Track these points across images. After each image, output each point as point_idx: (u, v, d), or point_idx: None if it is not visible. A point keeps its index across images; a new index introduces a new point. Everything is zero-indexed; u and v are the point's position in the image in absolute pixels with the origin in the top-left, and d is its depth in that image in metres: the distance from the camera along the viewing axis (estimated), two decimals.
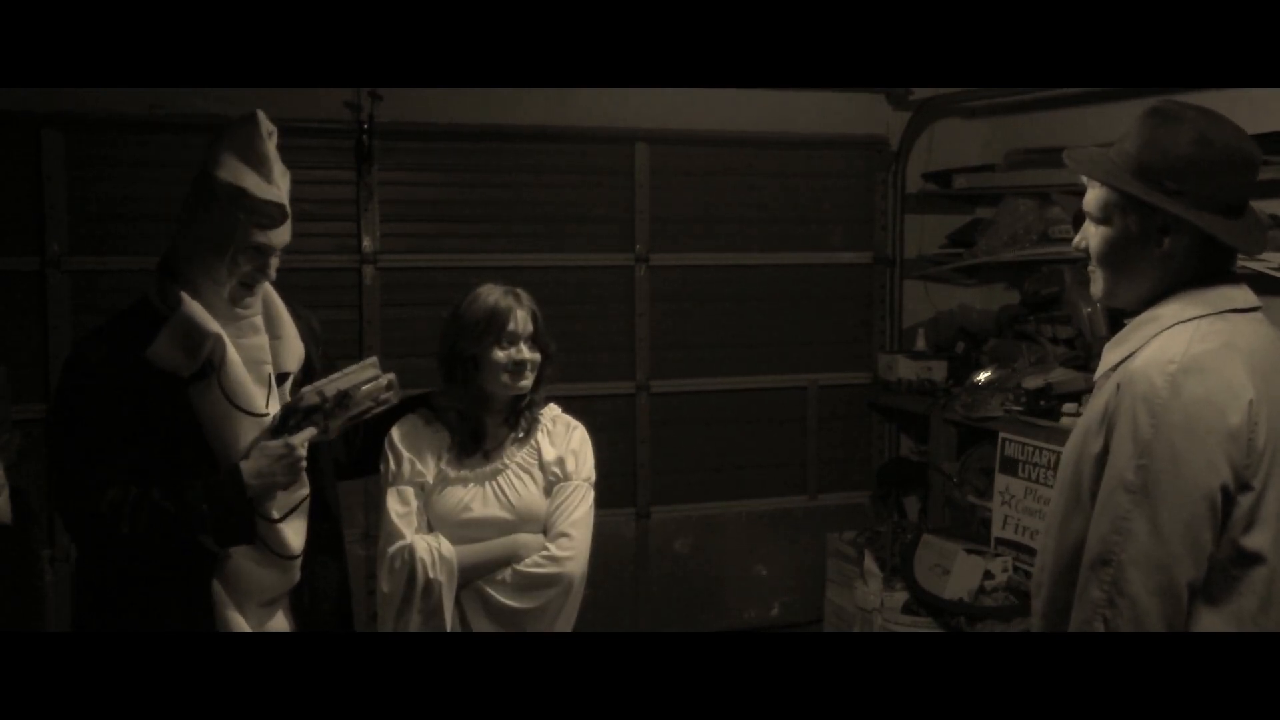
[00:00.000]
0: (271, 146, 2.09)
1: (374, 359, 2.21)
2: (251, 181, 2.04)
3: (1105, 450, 1.65)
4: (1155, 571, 1.57)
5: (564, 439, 2.41)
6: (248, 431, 2.07)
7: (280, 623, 2.18)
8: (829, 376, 4.59)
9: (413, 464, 2.33)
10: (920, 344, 4.52)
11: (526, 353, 2.32)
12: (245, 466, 2.04)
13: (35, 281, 3.67)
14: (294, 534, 2.13)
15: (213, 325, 2.03)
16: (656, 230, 4.31)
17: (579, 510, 2.34)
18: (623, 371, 4.32)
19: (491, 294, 2.35)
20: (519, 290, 2.39)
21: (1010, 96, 4.37)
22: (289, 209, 2.09)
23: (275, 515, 2.09)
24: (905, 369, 4.36)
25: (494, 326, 2.31)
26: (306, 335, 2.27)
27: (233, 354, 2.05)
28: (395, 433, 2.37)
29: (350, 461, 2.44)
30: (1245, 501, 1.60)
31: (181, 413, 2.04)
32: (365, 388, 2.16)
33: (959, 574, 3.67)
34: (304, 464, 2.08)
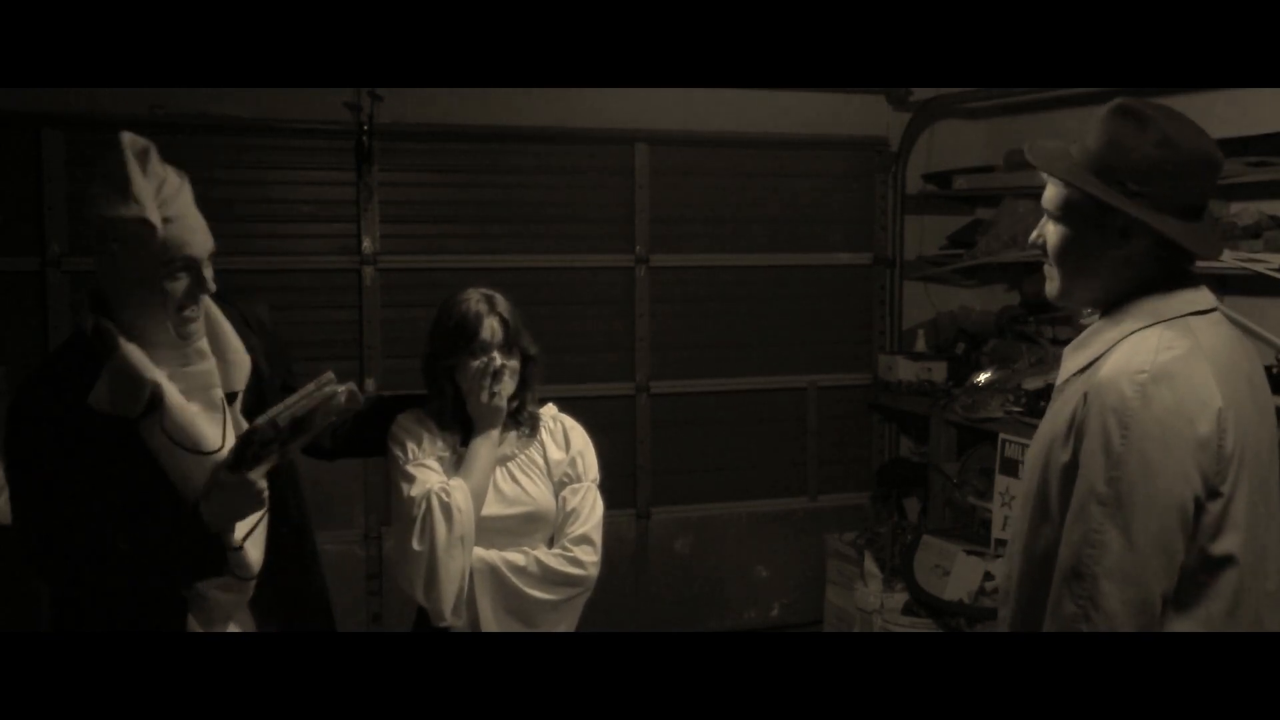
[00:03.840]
0: (132, 163, 1.96)
1: (330, 374, 2.08)
2: (118, 207, 1.92)
3: (1074, 461, 1.63)
4: (1129, 585, 1.55)
5: (567, 439, 2.41)
6: (198, 469, 2.01)
7: (245, 620, 2.15)
8: (829, 377, 4.59)
9: (431, 443, 2.34)
10: (920, 345, 4.52)
11: (500, 360, 2.31)
12: (205, 508, 1.98)
13: (35, 281, 3.67)
14: (255, 551, 2.09)
15: (150, 373, 1.94)
16: (656, 230, 4.31)
17: (596, 514, 2.36)
18: (623, 372, 4.32)
19: (463, 302, 2.34)
20: (494, 295, 2.37)
21: (1010, 97, 4.38)
22: (154, 220, 1.92)
23: (236, 543, 2.04)
24: (905, 370, 4.36)
25: (463, 336, 2.31)
26: (256, 346, 2.19)
27: (173, 397, 1.97)
28: (402, 419, 2.38)
29: (334, 443, 2.41)
30: (1214, 508, 1.59)
31: (134, 449, 1.97)
32: (321, 409, 2.05)
33: (959, 575, 3.67)
34: (265, 494, 2.02)
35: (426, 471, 2.28)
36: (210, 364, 2.06)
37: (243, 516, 2.02)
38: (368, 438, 2.42)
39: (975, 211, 4.66)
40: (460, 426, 2.37)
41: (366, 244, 3.98)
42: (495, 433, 2.33)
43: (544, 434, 2.41)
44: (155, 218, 1.92)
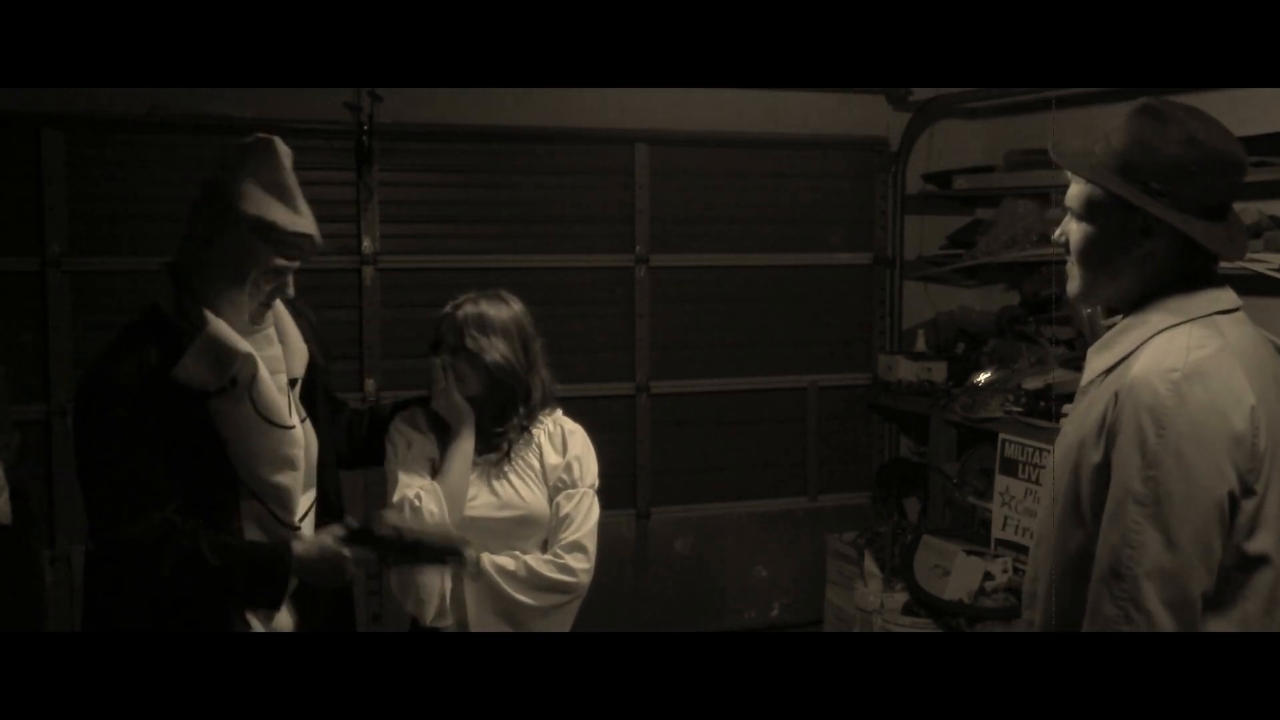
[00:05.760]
0: (292, 174, 2.06)
1: (468, 541, 2.21)
2: (281, 215, 2.01)
3: (1106, 461, 1.63)
4: (1170, 583, 1.55)
5: (565, 444, 2.41)
6: (278, 443, 2.08)
7: (284, 615, 2.19)
8: (829, 377, 4.59)
9: (423, 444, 2.36)
10: (920, 345, 4.52)
11: (448, 359, 2.34)
12: (298, 550, 2.06)
13: (35, 281, 3.67)
14: (308, 531, 2.17)
15: (243, 345, 2.02)
16: (656, 230, 4.31)
17: (590, 520, 2.36)
18: (623, 372, 4.32)
19: (450, 302, 2.39)
20: (475, 298, 2.38)
21: (1010, 97, 4.38)
22: (319, 239, 2.08)
23: (296, 521, 2.10)
24: (905, 370, 4.36)
25: (433, 333, 2.37)
26: (309, 336, 2.28)
27: (264, 371, 2.05)
28: (398, 420, 2.41)
29: (352, 451, 2.45)
30: (1249, 506, 1.58)
31: (203, 426, 2.03)
32: (438, 555, 2.17)
33: (959, 575, 3.67)
34: (349, 577, 2.13)
35: (410, 475, 2.31)
36: (279, 349, 2.15)
37: (315, 583, 2.12)
38: (382, 447, 2.44)
39: (975, 211, 4.66)
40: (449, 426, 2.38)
41: (366, 244, 3.98)
42: (466, 431, 2.34)
43: (542, 438, 2.41)
44: (318, 236, 2.07)
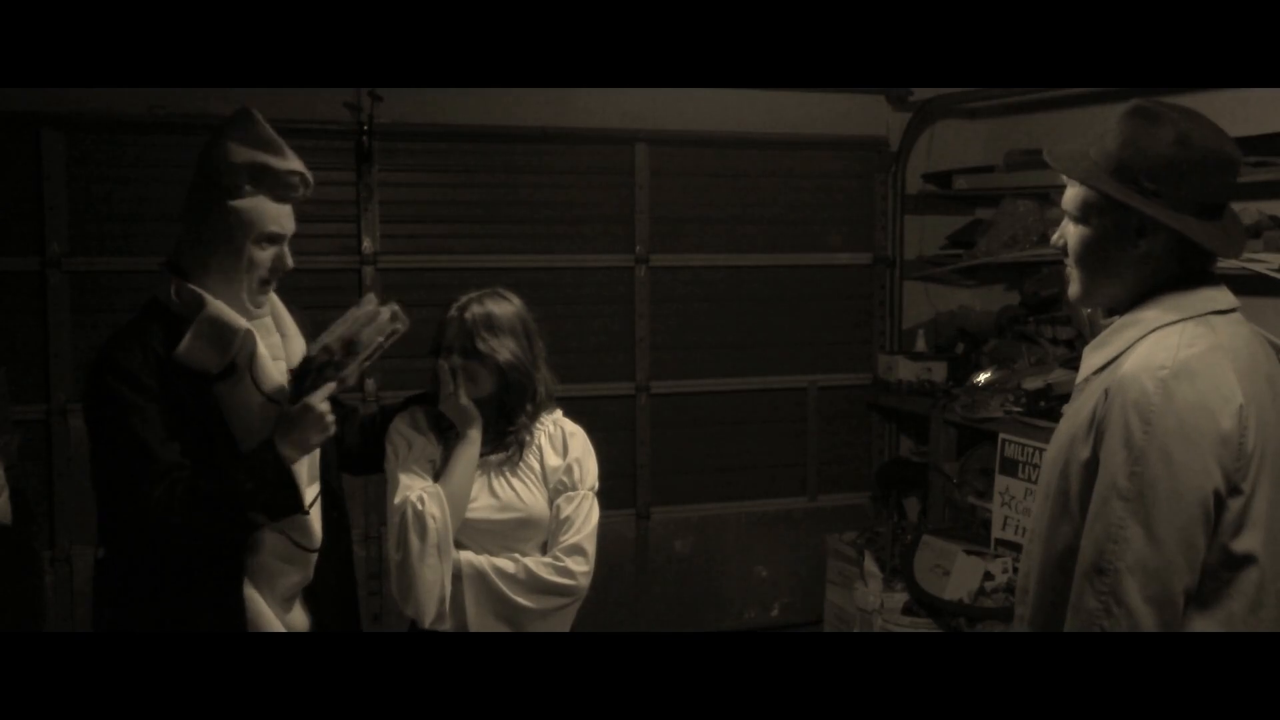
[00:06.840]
0: (273, 131, 2.11)
1: (370, 295, 2.21)
2: (270, 159, 2.05)
3: (1094, 457, 1.64)
4: (1151, 579, 1.56)
5: (566, 446, 2.40)
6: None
7: (298, 613, 2.20)
8: (829, 377, 4.59)
9: (424, 445, 2.35)
10: (920, 345, 4.52)
11: (457, 362, 2.32)
12: (277, 437, 2.05)
13: (35, 281, 3.68)
14: (316, 523, 2.17)
15: (241, 321, 2.05)
16: (656, 230, 4.31)
17: (590, 523, 2.35)
18: (623, 372, 4.32)
19: (453, 304, 2.37)
20: (480, 298, 2.37)
21: (1010, 97, 4.38)
22: (310, 178, 2.10)
23: (305, 506, 2.10)
24: (905, 370, 4.36)
25: (436, 337, 2.36)
26: (307, 331, 2.29)
27: (263, 348, 2.09)
28: (398, 421, 2.40)
29: (362, 447, 2.44)
30: (1235, 505, 1.59)
31: (208, 410, 2.06)
32: (369, 327, 2.14)
33: (959, 575, 3.67)
34: (330, 419, 2.09)
35: (411, 477, 2.29)
36: (277, 337, 2.19)
37: (311, 446, 2.10)
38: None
39: (975, 211, 4.66)
40: (451, 427, 2.38)
41: (366, 244, 3.98)
42: (473, 434, 2.33)
43: (543, 439, 2.40)
44: (309, 174, 2.10)
